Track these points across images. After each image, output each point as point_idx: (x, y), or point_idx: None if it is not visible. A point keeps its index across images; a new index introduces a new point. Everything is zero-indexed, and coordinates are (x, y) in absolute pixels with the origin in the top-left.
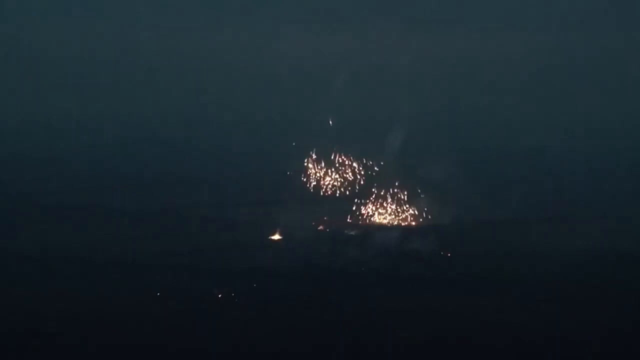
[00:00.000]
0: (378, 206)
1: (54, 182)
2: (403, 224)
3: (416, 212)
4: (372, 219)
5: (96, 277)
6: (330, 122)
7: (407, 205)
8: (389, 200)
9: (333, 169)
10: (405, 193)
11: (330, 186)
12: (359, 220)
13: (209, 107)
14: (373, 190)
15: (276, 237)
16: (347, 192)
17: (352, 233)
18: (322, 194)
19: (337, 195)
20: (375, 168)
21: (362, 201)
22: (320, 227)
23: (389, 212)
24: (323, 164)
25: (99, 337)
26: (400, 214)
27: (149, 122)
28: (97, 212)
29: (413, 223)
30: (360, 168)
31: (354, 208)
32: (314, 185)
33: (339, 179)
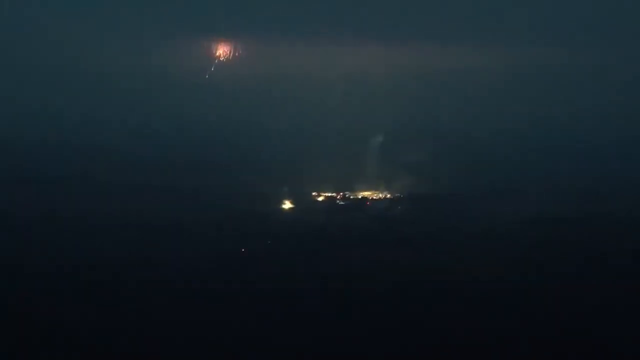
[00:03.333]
0: (364, 182)
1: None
2: (386, 196)
3: (394, 188)
4: (359, 192)
5: (143, 240)
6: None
7: (388, 182)
8: (373, 178)
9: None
10: (386, 173)
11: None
12: (349, 193)
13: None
14: (359, 170)
15: (286, 206)
16: (338, 172)
17: (344, 203)
18: (316, 173)
19: (329, 173)
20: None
21: (350, 178)
22: (320, 198)
23: (372, 187)
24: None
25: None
26: (381, 189)
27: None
28: (146, 188)
29: (390, 196)
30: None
31: (343, 184)
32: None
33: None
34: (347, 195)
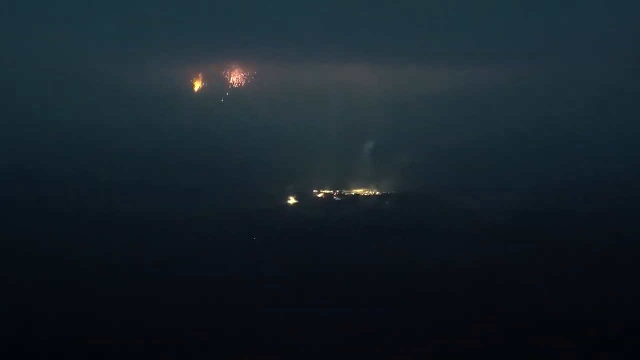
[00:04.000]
0: (357, 181)
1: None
2: (375, 193)
3: (383, 186)
4: (353, 190)
5: (169, 232)
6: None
7: (378, 181)
8: (364, 177)
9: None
10: (376, 173)
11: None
12: (344, 191)
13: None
14: (353, 171)
15: (291, 202)
16: (334, 172)
17: (340, 199)
18: (314, 173)
19: (327, 173)
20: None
21: (345, 178)
22: (320, 195)
23: (364, 185)
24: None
25: (172, 265)
26: (372, 187)
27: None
28: (168, 188)
29: (380, 193)
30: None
31: (340, 182)
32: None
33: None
34: (342, 193)
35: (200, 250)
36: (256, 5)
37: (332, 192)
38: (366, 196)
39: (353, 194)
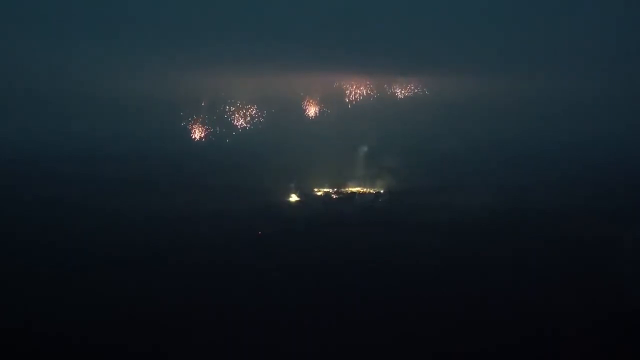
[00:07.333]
0: (352, 180)
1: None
2: (368, 191)
3: (375, 184)
4: (347, 188)
5: (193, 224)
6: None
7: (370, 180)
8: (359, 177)
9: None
10: (369, 173)
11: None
12: (340, 189)
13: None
14: (349, 172)
15: (293, 199)
16: (331, 173)
17: (337, 196)
18: (313, 173)
19: (324, 173)
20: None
21: (341, 177)
22: (319, 193)
23: (358, 184)
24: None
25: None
26: (365, 186)
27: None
28: (194, 186)
29: (374, 191)
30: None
31: (336, 181)
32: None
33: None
34: (340, 190)
35: (213, 239)
36: None
37: (330, 189)
38: (361, 193)
39: (349, 191)
